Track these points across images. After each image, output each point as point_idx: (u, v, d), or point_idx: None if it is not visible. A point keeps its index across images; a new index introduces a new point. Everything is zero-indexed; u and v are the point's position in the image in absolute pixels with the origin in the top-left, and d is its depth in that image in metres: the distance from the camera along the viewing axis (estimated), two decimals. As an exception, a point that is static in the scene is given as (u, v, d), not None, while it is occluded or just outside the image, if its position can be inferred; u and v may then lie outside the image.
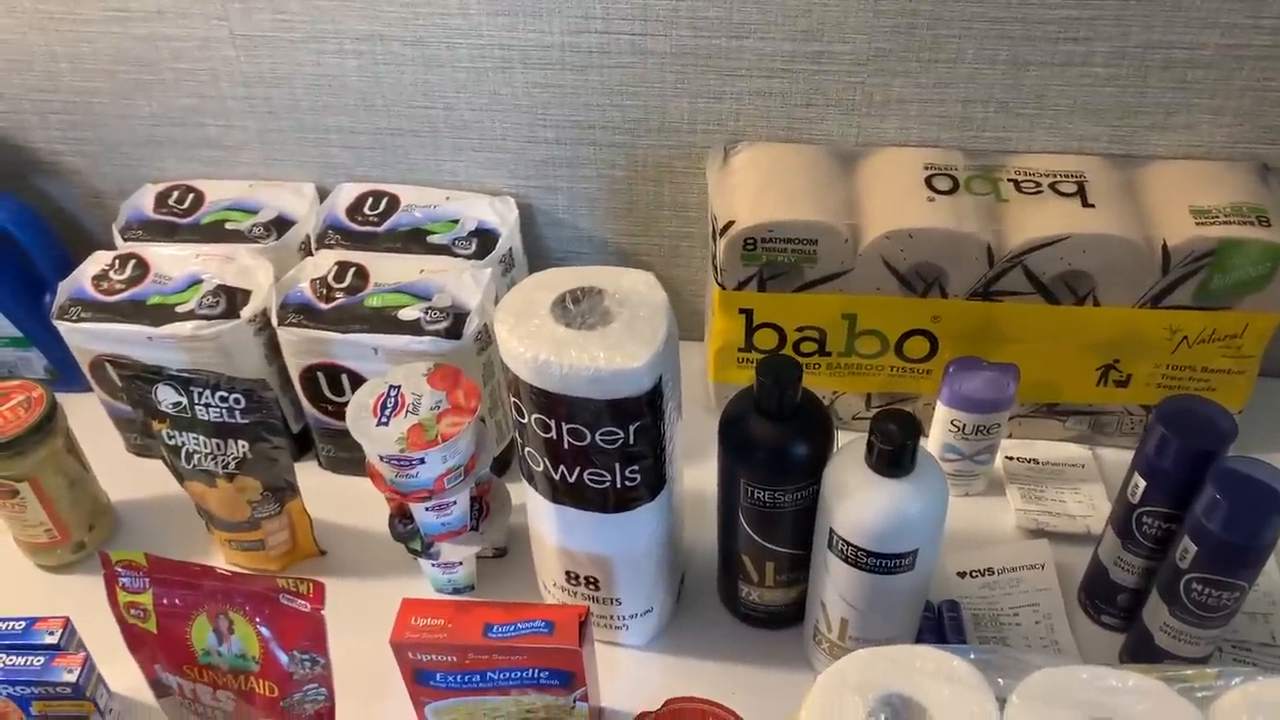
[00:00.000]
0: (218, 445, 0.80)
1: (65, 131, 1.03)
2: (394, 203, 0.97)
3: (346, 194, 0.98)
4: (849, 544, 0.68)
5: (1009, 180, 0.87)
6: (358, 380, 0.87)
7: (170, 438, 0.81)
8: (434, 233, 0.93)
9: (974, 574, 0.85)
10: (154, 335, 0.87)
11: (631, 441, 0.67)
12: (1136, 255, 0.83)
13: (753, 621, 0.82)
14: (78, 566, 0.89)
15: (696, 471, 0.79)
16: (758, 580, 0.78)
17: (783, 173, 0.89)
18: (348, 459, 0.93)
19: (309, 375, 0.89)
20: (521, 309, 0.68)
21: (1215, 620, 0.71)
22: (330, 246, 0.93)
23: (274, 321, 0.87)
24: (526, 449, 0.71)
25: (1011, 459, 0.94)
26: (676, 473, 0.76)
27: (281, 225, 0.95)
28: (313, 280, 0.88)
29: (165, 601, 0.70)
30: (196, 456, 0.81)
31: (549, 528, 0.76)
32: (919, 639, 0.77)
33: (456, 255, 0.91)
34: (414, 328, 0.84)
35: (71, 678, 0.70)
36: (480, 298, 0.86)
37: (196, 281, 0.90)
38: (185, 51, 0.96)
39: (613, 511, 0.72)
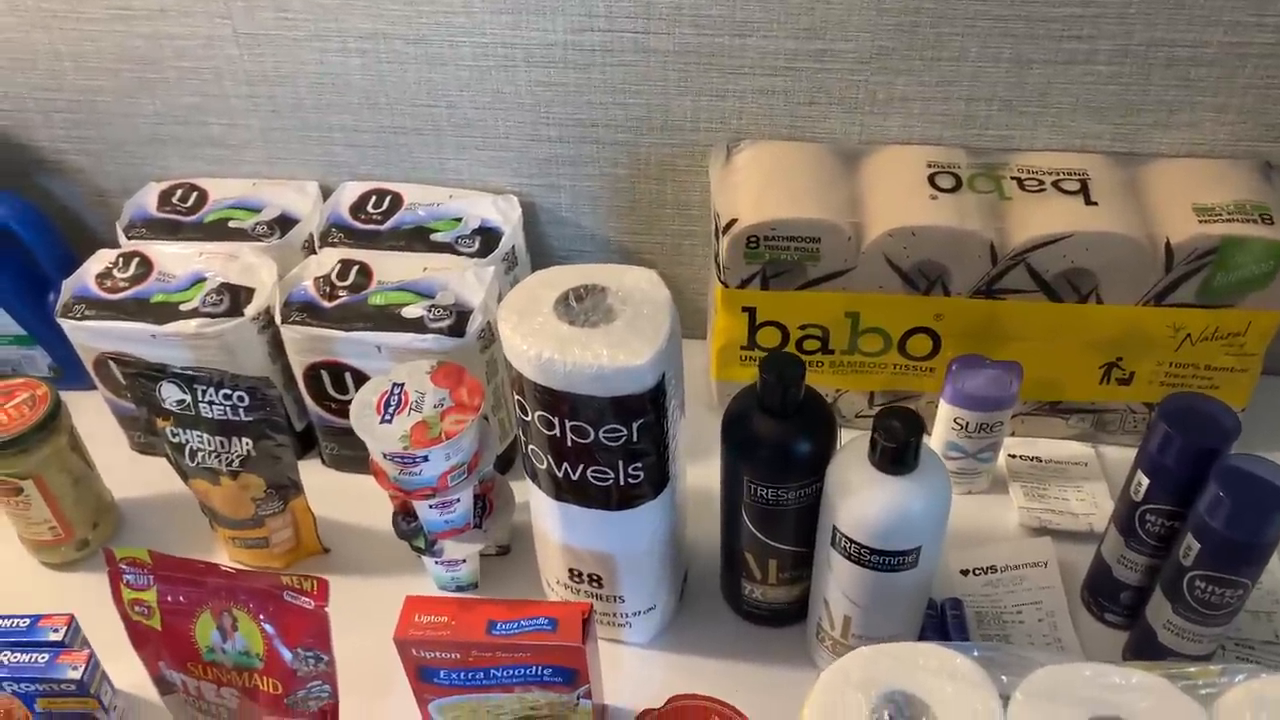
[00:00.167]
0: (221, 443, 0.80)
1: (69, 130, 1.03)
2: (397, 201, 0.97)
3: (350, 192, 0.98)
4: (852, 541, 0.68)
5: (1012, 178, 0.87)
6: (361, 378, 0.87)
7: (174, 435, 0.81)
8: (437, 231, 0.93)
9: (977, 572, 0.85)
10: (158, 333, 0.87)
11: (635, 439, 0.68)
12: (1139, 253, 0.83)
13: (756, 619, 0.82)
14: (82, 564, 0.89)
15: (699, 469, 0.79)
16: (761, 578, 0.78)
17: (785, 171, 0.89)
18: (351, 457, 0.93)
19: (312, 373, 0.89)
20: (525, 306, 0.68)
21: (1218, 618, 0.71)
22: (334, 245, 0.93)
23: (278, 319, 0.87)
24: (530, 446, 0.71)
25: (1014, 457, 0.94)
26: (679, 470, 0.76)
27: (285, 223, 0.95)
28: (316, 278, 0.88)
29: (169, 599, 0.70)
30: (200, 454, 0.81)
31: (552, 525, 0.76)
32: (922, 636, 0.77)
33: (459, 253, 0.92)
34: (417, 326, 0.84)
35: (76, 675, 0.70)
36: (483, 296, 0.86)
37: (200, 279, 0.90)
38: (189, 50, 0.96)
39: (616, 509, 0.72)
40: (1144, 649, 0.76)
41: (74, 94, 1.00)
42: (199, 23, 0.94)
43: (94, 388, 0.94)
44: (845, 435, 0.73)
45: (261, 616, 0.69)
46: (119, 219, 0.97)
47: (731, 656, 0.81)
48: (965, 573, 0.85)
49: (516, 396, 0.69)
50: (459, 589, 0.86)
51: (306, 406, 0.92)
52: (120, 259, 0.92)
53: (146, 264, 0.91)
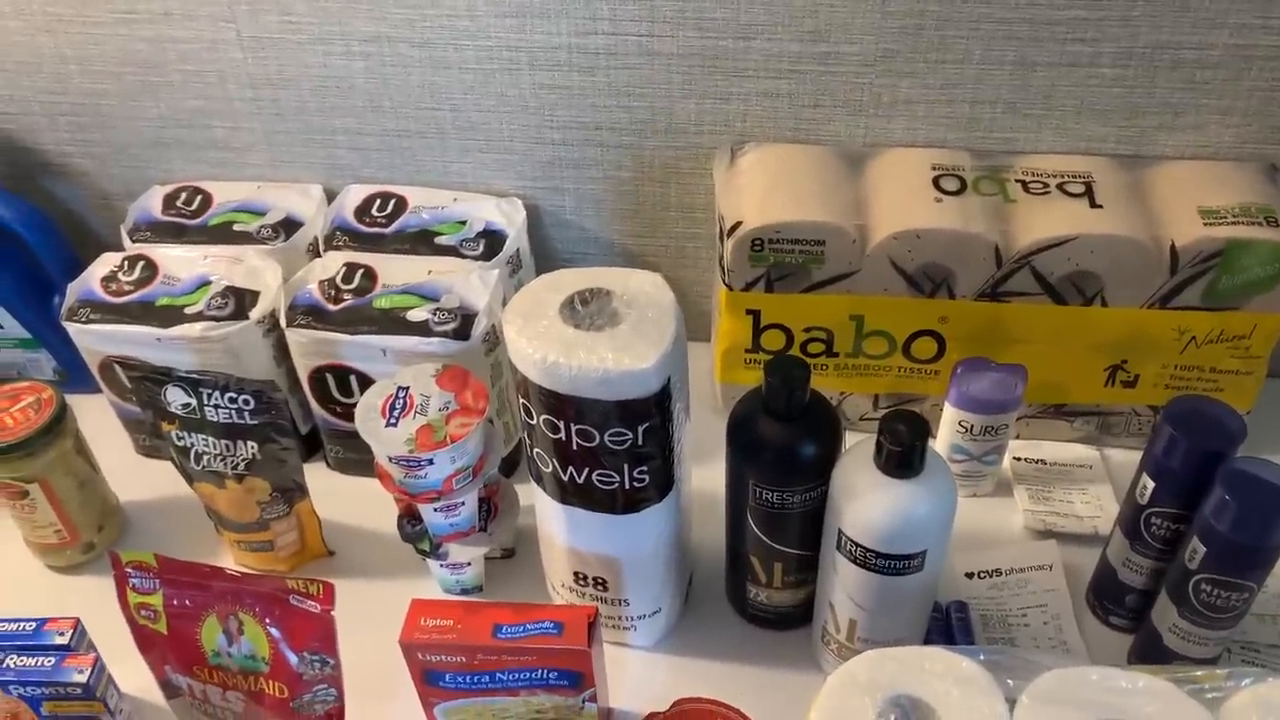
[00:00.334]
0: (227, 446, 0.80)
1: (74, 133, 1.03)
2: (401, 204, 0.97)
3: (354, 195, 0.98)
4: (857, 545, 0.68)
5: (1016, 181, 0.87)
6: (366, 381, 0.87)
7: (179, 439, 0.81)
8: (441, 234, 0.93)
9: (982, 575, 0.85)
10: (163, 336, 0.87)
11: (640, 442, 0.68)
12: (1144, 256, 0.83)
13: (761, 622, 0.82)
14: (87, 567, 0.89)
15: (704, 472, 0.79)
16: (766, 581, 0.78)
17: (790, 173, 0.89)
18: (356, 460, 0.93)
19: (317, 376, 0.89)
20: (530, 310, 0.68)
21: (1224, 621, 0.71)
22: (338, 248, 0.93)
23: (283, 323, 0.87)
24: (535, 450, 0.71)
25: (1019, 460, 0.94)
26: (685, 473, 0.76)
27: (289, 227, 0.95)
28: (321, 282, 0.88)
29: (175, 602, 0.70)
30: (205, 457, 0.81)
31: (557, 528, 0.76)
32: (927, 640, 0.77)
33: (464, 256, 0.92)
34: (422, 329, 0.85)
35: (82, 678, 0.70)
36: (488, 299, 0.86)
37: (205, 283, 0.90)
38: (193, 53, 0.96)
39: (621, 512, 0.72)
40: (1149, 652, 0.76)
41: (79, 97, 1.01)
42: (203, 26, 0.94)
43: (99, 391, 0.94)
44: (850, 438, 0.73)
45: (267, 620, 0.69)
46: (123, 222, 0.97)
47: (737, 660, 0.81)
48: (970, 575, 0.85)
49: (522, 400, 0.69)
50: (464, 592, 0.86)
51: (311, 410, 0.93)
52: (125, 262, 0.92)
53: (151, 267, 0.91)
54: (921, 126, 0.92)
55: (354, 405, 0.78)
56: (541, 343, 0.65)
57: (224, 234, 0.95)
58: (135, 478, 0.94)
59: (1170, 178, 0.88)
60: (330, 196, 1.00)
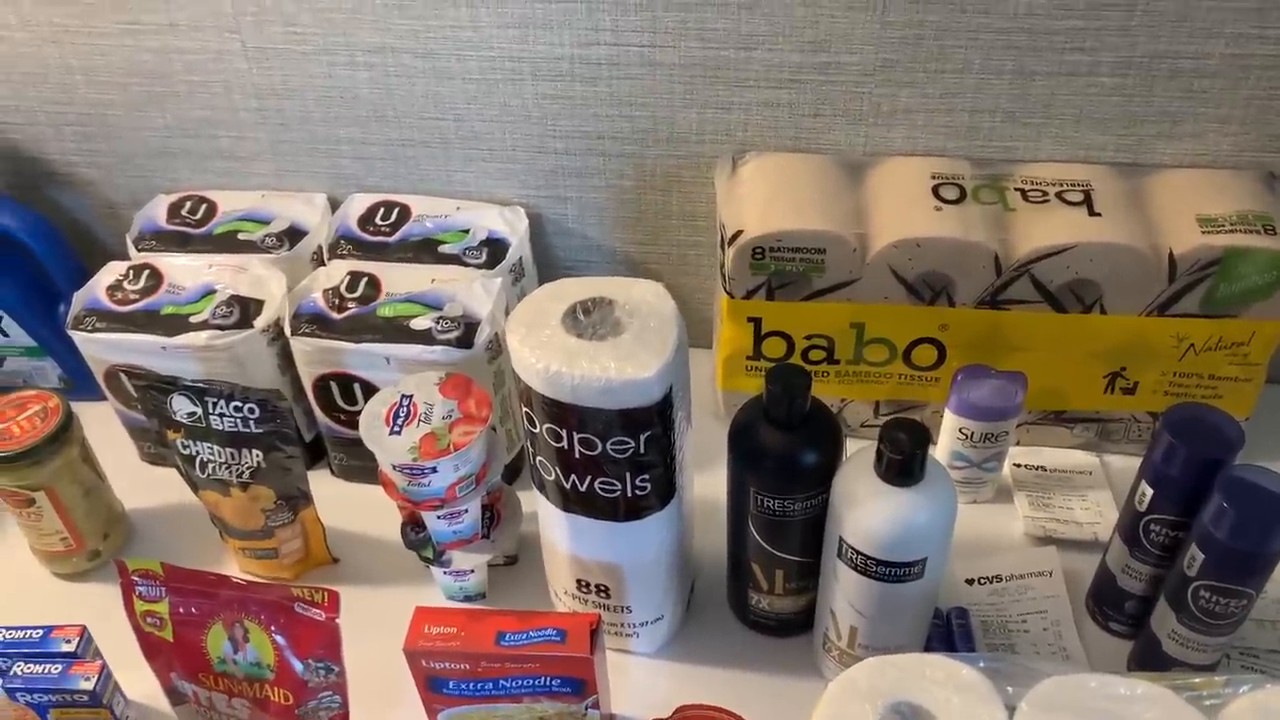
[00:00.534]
0: (232, 454, 0.81)
1: (79, 143, 1.04)
2: (405, 213, 0.97)
3: (358, 204, 0.99)
4: (858, 552, 0.69)
5: (1016, 189, 0.88)
6: (370, 389, 0.87)
7: (185, 447, 0.81)
8: (445, 243, 0.94)
9: (982, 581, 0.85)
10: (168, 345, 0.87)
11: (642, 451, 0.68)
12: (1143, 264, 0.83)
13: (762, 629, 0.83)
14: (93, 575, 0.89)
15: (706, 480, 0.80)
16: (767, 588, 0.79)
17: (791, 182, 0.90)
18: (360, 467, 0.93)
19: (322, 385, 0.89)
20: (533, 320, 0.68)
21: (1223, 627, 0.72)
22: (342, 257, 0.94)
23: (287, 331, 0.87)
24: (538, 458, 0.72)
25: (1019, 466, 0.94)
26: (686, 481, 0.76)
27: (294, 235, 0.96)
28: (325, 290, 0.89)
29: (181, 610, 0.71)
30: (211, 466, 0.82)
31: (560, 536, 0.76)
32: (928, 646, 0.78)
33: (467, 265, 0.92)
34: (426, 337, 0.85)
35: (89, 685, 0.71)
36: (491, 307, 0.87)
37: (210, 292, 0.90)
38: (198, 64, 0.97)
39: (623, 520, 0.72)
40: (1149, 658, 0.76)
41: (84, 107, 1.01)
42: (208, 37, 0.95)
43: (104, 399, 0.95)
44: (851, 444, 0.73)
45: (273, 628, 0.69)
46: (129, 231, 0.98)
47: (738, 666, 0.81)
48: (971, 582, 0.85)
49: (524, 409, 0.70)
50: (467, 599, 0.86)
51: (316, 418, 0.93)
52: (130, 271, 0.93)
53: (156, 276, 0.92)
54: (921, 135, 0.92)
55: (358, 413, 0.79)
56: (544, 352, 0.66)
57: (229, 243, 0.95)
58: (140, 486, 0.95)
59: (1169, 186, 0.89)
60: (334, 205, 1.01)
